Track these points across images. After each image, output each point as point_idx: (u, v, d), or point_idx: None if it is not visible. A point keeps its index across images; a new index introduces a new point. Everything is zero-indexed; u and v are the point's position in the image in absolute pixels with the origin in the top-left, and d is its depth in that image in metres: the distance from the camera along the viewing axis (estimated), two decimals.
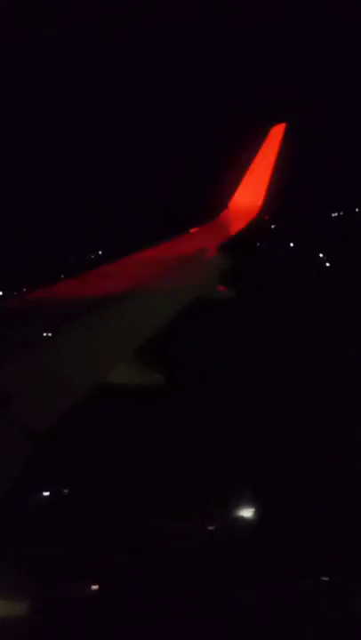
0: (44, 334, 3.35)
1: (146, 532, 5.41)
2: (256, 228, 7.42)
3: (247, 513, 5.81)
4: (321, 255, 15.11)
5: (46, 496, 5.37)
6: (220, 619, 4.84)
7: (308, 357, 7.73)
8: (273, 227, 8.89)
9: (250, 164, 7.50)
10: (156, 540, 5.29)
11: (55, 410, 3.08)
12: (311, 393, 7.25)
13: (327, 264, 15.00)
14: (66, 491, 5.31)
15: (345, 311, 8.96)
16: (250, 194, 7.30)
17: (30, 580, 4.76)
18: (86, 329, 3.64)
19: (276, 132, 7.66)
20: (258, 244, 8.74)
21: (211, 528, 5.83)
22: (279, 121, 7.89)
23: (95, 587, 4.78)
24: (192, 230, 6.70)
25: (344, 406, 6.96)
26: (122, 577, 4.96)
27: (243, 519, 5.74)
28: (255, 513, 5.77)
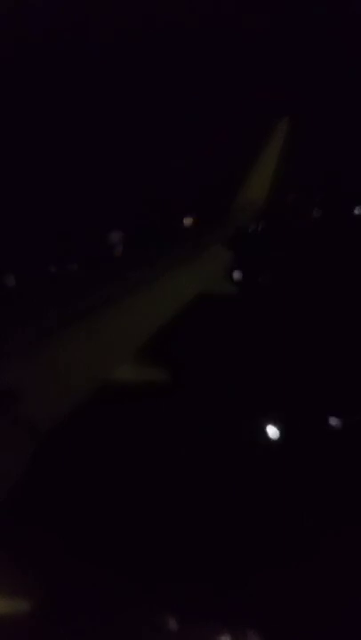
0: (47, 332, 3.34)
1: (147, 530, 5.39)
2: (261, 222, 7.41)
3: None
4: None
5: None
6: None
7: (315, 355, 7.67)
8: (278, 221, 8.90)
9: (254, 159, 7.48)
10: (157, 538, 5.27)
11: (59, 409, 3.08)
12: (317, 392, 7.19)
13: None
14: None
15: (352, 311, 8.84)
16: (255, 188, 7.28)
17: (31, 579, 4.74)
18: (89, 327, 3.63)
19: (281, 126, 7.64)
20: (263, 239, 8.75)
21: (211, 527, 5.84)
22: (284, 114, 7.88)
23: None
24: (197, 225, 6.66)
25: (348, 406, 6.91)
26: (123, 578, 4.94)
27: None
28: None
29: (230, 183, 7.53)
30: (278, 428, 6.49)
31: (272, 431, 6.39)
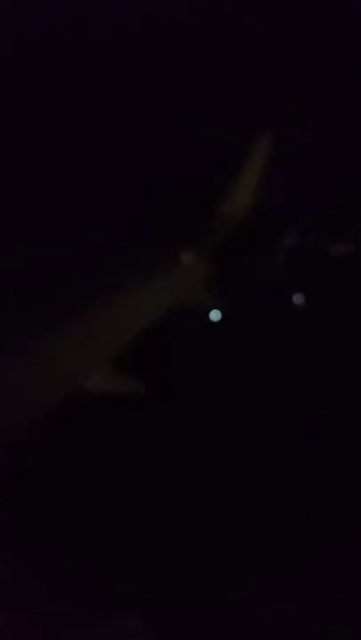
0: (18, 339, 3.31)
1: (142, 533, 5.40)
2: (243, 237, 7.39)
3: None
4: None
5: None
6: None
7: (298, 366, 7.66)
8: (263, 236, 8.95)
9: (239, 170, 7.46)
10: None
11: (28, 419, 3.06)
12: (309, 403, 7.19)
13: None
14: None
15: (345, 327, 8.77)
16: (238, 201, 7.28)
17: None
18: (63, 334, 3.60)
19: (267, 137, 7.63)
20: (246, 254, 8.80)
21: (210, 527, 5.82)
22: (271, 123, 7.86)
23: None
24: (178, 236, 6.65)
25: (349, 414, 6.90)
26: (121, 580, 4.94)
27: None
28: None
29: (213, 195, 7.51)
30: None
31: None
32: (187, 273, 5.76)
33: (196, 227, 6.79)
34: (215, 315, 6.90)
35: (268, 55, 8.82)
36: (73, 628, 4.48)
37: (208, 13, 8.72)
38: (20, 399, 3.01)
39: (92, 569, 4.82)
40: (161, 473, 5.77)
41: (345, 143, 9.06)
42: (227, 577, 5.12)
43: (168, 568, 5.09)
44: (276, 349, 7.76)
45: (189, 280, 5.80)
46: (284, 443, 6.43)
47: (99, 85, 8.88)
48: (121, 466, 5.73)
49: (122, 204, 8.21)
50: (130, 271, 4.92)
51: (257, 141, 7.40)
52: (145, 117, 8.91)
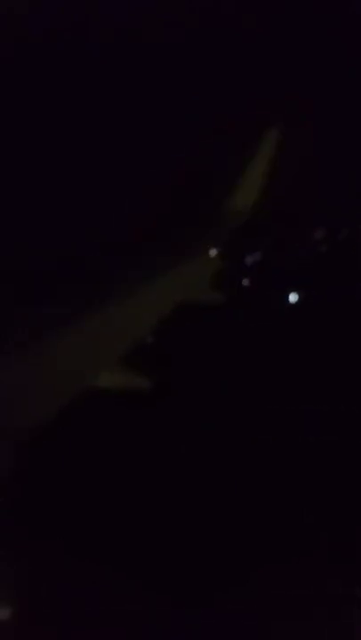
0: (31, 337, 3.31)
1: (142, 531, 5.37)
2: (250, 230, 7.41)
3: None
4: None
5: None
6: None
7: (309, 371, 7.62)
8: (269, 230, 8.96)
9: (246, 165, 7.48)
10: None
11: (38, 414, 3.07)
12: (311, 402, 7.17)
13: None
14: None
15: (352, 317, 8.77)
16: (244, 196, 7.29)
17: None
18: (74, 332, 3.60)
19: (274, 133, 7.64)
20: (252, 247, 8.79)
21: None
22: (277, 120, 7.88)
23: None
24: (184, 232, 6.66)
25: (349, 412, 6.88)
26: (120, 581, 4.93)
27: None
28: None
29: (219, 190, 7.54)
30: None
31: None
32: (193, 269, 5.77)
33: (203, 223, 6.80)
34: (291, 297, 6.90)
35: (269, 55, 8.83)
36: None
37: (208, 13, 8.72)
38: (20, 399, 3.03)
39: (94, 563, 4.82)
40: (161, 472, 5.76)
41: (345, 143, 9.07)
42: (227, 574, 5.11)
43: (168, 563, 5.08)
44: (277, 346, 7.80)
45: (196, 276, 5.81)
46: (285, 440, 6.44)
47: (99, 85, 8.88)
48: (122, 465, 5.72)
49: (125, 204, 8.23)
50: (133, 270, 4.93)
51: (261, 139, 7.41)
52: (146, 117, 8.92)
